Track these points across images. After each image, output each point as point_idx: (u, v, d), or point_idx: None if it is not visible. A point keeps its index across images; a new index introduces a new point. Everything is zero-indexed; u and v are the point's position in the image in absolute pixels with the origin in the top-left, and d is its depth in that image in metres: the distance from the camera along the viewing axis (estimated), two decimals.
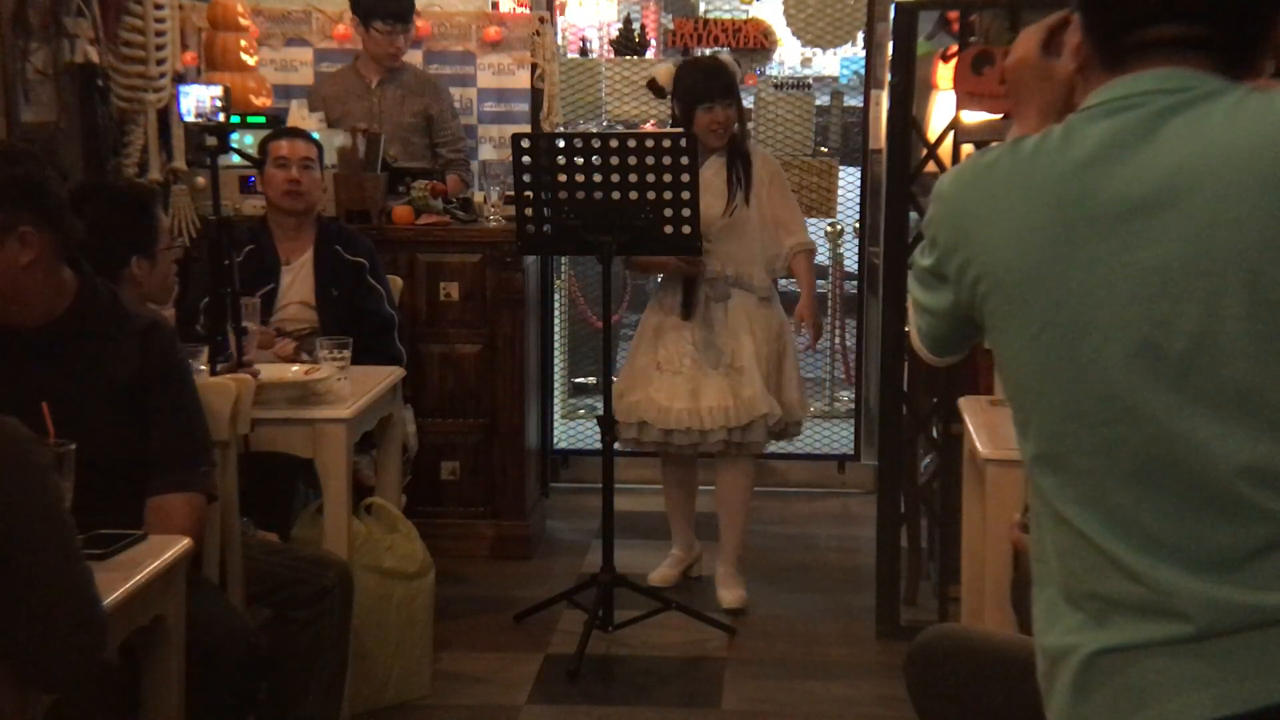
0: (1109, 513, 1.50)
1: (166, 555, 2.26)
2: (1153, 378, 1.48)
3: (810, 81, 6.17)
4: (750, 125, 5.04)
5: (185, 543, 2.34)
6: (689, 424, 4.22)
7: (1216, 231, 1.46)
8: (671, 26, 5.85)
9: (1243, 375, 1.45)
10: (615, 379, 4.36)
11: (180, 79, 4.63)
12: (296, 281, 4.21)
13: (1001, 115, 4.11)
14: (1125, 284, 1.49)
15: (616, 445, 4.19)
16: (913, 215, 4.09)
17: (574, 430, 6.00)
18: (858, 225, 5.69)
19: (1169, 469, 1.48)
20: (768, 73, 5.99)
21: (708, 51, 5.53)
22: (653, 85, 4.39)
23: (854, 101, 6.02)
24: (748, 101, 5.11)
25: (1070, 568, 1.54)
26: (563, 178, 3.94)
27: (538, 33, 5.50)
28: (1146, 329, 1.48)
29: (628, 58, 5.80)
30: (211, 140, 3.38)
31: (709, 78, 4.23)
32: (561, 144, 3.98)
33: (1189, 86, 1.54)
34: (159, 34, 4.47)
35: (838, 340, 6.11)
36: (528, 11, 5.65)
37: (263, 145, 4.23)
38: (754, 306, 4.30)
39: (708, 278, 4.26)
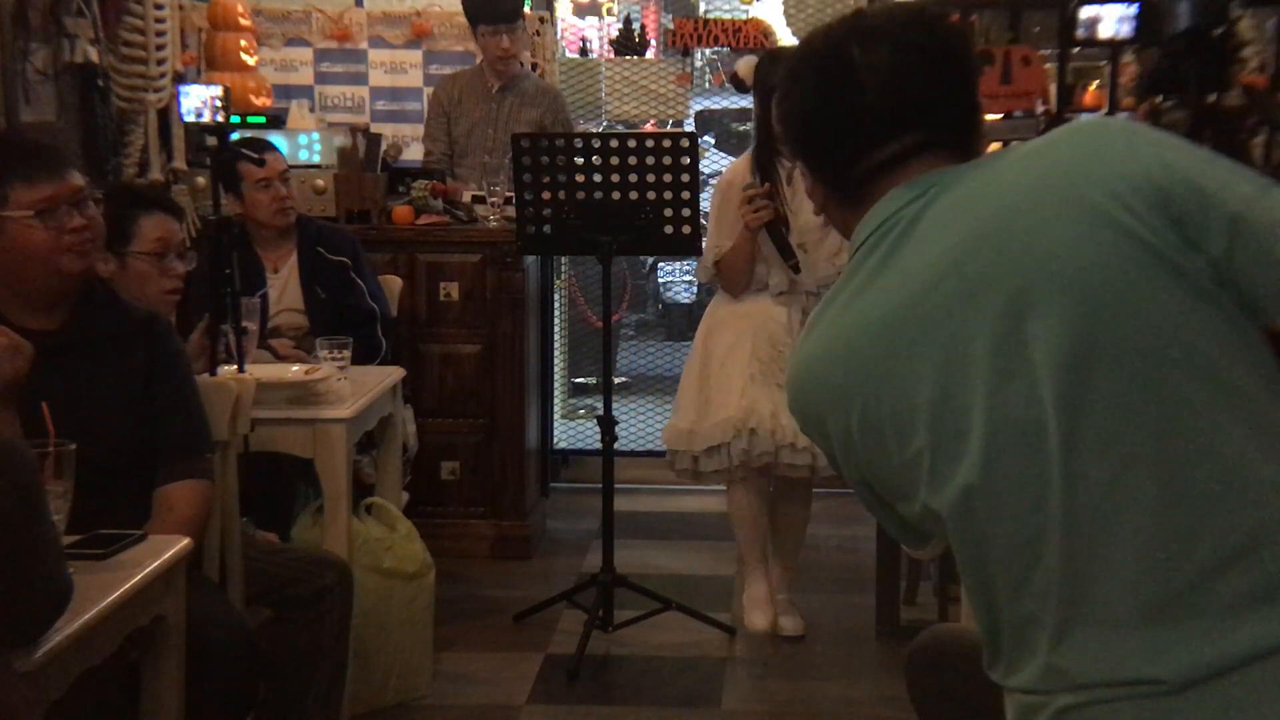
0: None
1: (166, 555, 2.26)
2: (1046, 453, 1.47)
3: None
4: None
5: (185, 543, 2.34)
6: (794, 440, 3.81)
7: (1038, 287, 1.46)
8: (671, 26, 5.85)
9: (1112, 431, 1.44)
10: (681, 398, 4.04)
11: (180, 79, 4.63)
12: (286, 289, 4.19)
13: (1001, 115, 4.11)
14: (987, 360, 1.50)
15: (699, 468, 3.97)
16: None
17: (574, 430, 6.00)
18: None
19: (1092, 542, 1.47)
20: None
21: (708, 52, 5.53)
22: (734, 79, 4.12)
23: None
24: (747, 101, 5.10)
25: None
26: (563, 178, 3.94)
27: (538, 33, 5.50)
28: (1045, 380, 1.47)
29: (627, 58, 5.81)
30: (212, 140, 3.37)
31: None
32: (561, 144, 3.98)
33: (931, 184, 1.57)
34: (159, 34, 4.48)
35: None
36: (528, 11, 5.65)
37: (229, 167, 3.98)
38: None
39: (807, 290, 3.93)
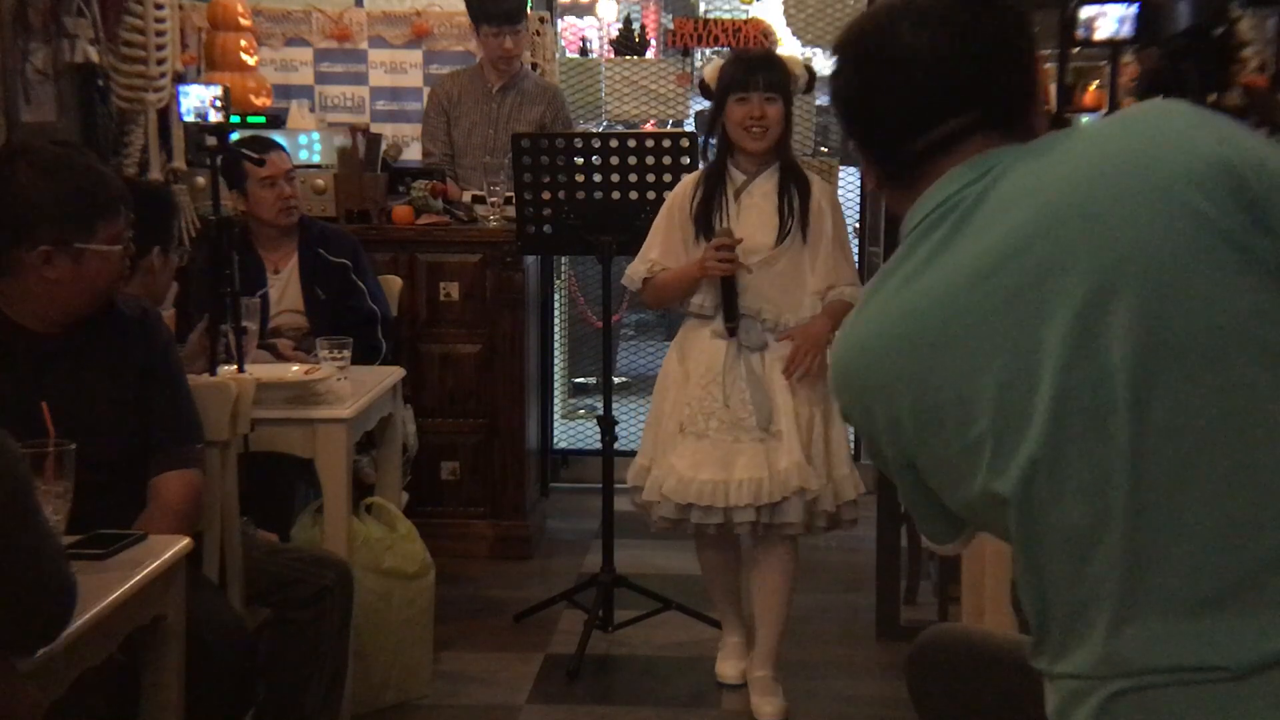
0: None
1: (166, 555, 2.26)
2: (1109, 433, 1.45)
3: None
4: None
5: (185, 542, 2.34)
6: (710, 500, 3.47)
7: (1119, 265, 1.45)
8: (671, 26, 5.85)
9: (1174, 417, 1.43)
10: (641, 451, 3.69)
11: (180, 79, 4.63)
12: (287, 290, 4.19)
13: None
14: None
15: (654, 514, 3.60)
16: None
17: (574, 430, 6.00)
18: (858, 225, 5.69)
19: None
20: None
21: (708, 52, 5.53)
22: (703, 87, 3.67)
23: None
24: None
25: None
26: (563, 178, 3.94)
27: (538, 33, 5.50)
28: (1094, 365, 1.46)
29: (627, 58, 5.81)
30: (211, 140, 3.37)
31: (750, 65, 3.52)
32: (561, 144, 3.98)
33: (992, 165, 1.55)
34: (159, 34, 4.47)
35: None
36: (529, 11, 5.65)
37: (234, 165, 3.99)
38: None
39: (740, 315, 3.53)
